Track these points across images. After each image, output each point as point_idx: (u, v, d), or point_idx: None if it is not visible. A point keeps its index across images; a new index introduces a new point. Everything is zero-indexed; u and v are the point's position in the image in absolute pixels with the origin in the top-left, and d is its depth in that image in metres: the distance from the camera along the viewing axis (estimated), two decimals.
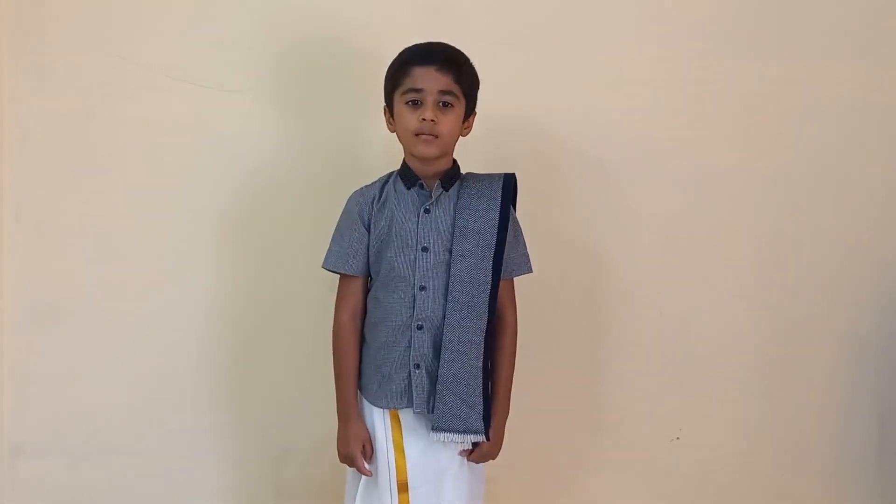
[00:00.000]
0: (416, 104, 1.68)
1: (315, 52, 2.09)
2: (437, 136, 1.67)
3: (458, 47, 1.73)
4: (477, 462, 1.74)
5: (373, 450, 1.72)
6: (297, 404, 2.12)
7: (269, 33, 2.08)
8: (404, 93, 1.68)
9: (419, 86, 1.67)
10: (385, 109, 1.76)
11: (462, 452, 1.72)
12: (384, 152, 1.92)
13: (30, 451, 2.11)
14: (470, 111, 1.75)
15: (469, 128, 1.77)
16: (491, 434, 1.72)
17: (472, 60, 1.75)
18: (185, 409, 2.13)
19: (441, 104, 1.67)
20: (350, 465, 1.73)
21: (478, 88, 1.76)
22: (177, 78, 2.06)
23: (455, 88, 1.68)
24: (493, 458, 1.76)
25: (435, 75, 1.67)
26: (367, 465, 1.71)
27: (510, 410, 1.78)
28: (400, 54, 1.73)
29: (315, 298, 1.93)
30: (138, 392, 2.12)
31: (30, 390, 2.10)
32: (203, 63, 2.08)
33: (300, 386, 2.10)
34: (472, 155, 1.85)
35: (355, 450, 1.71)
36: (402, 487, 1.69)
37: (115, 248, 2.09)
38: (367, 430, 1.73)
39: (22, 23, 2.04)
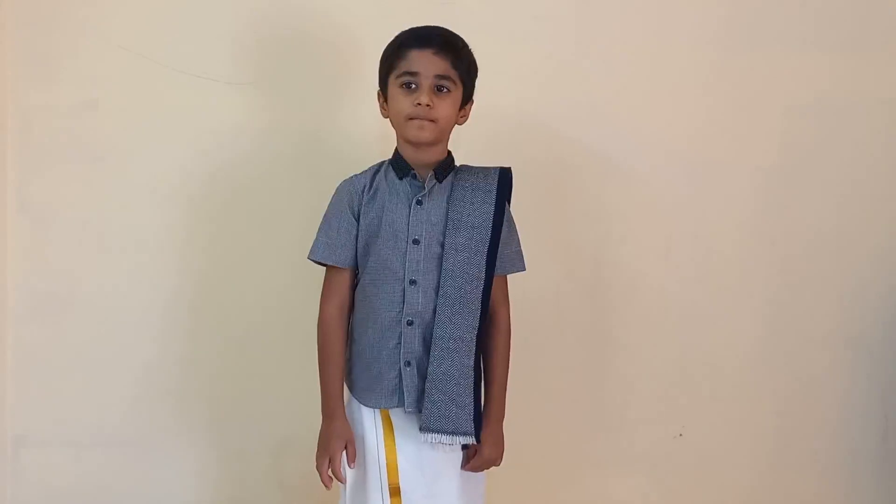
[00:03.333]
0: (410, 87, 1.62)
1: (315, 45, 2.08)
2: (433, 121, 1.61)
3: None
4: (477, 470, 1.67)
5: (355, 451, 1.66)
6: (297, 396, 2.04)
7: (271, 26, 2.08)
8: (399, 75, 1.62)
9: (415, 69, 1.61)
10: (378, 94, 1.70)
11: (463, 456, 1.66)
12: (377, 143, 1.88)
13: (32, 441, 2.13)
14: (467, 98, 1.68)
15: (465, 116, 1.70)
16: (490, 438, 1.66)
17: (476, 54, 1.69)
18: (186, 400, 2.14)
19: (437, 88, 1.61)
20: (325, 466, 1.65)
21: (476, 75, 1.70)
22: (180, 70, 2.07)
23: (452, 73, 1.62)
24: (497, 465, 1.70)
25: (432, 59, 1.61)
26: (344, 468, 1.65)
27: (511, 409, 1.72)
28: (396, 37, 1.67)
29: (314, 289, 1.88)
30: (140, 383, 2.13)
31: (32, 381, 2.12)
32: (205, 55, 2.08)
33: (300, 378, 2.02)
34: (474, 148, 1.81)
35: (337, 448, 1.64)
36: (395, 491, 1.63)
37: (117, 240, 2.10)
38: (351, 430, 1.67)
39: (26, 14, 2.06)
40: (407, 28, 1.67)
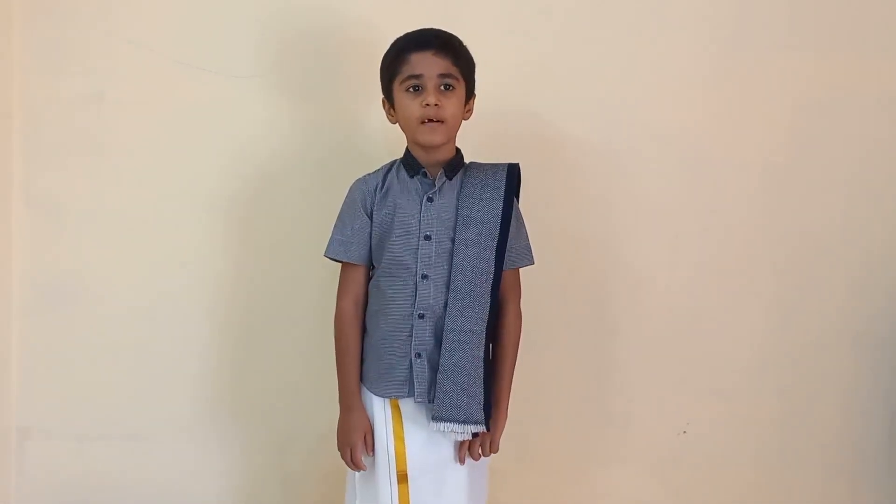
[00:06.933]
0: (416, 90, 1.66)
1: (322, 40, 2.08)
2: (441, 121, 1.66)
3: (465, 36, 1.73)
4: (481, 451, 1.72)
5: (373, 440, 1.71)
6: (303, 393, 2.12)
7: (278, 20, 2.08)
8: (404, 80, 1.67)
9: (418, 71, 1.66)
10: (383, 101, 1.75)
11: (463, 444, 1.70)
12: (388, 141, 1.92)
13: (37, 433, 2.13)
14: (469, 94, 1.74)
15: (470, 111, 1.76)
16: (495, 425, 1.72)
17: (481, 50, 1.74)
18: (191, 395, 2.14)
19: (442, 87, 1.66)
20: (348, 456, 1.72)
21: (475, 70, 1.75)
22: (186, 63, 2.07)
23: (454, 71, 1.68)
24: (495, 451, 1.75)
25: (433, 59, 1.66)
26: (364, 458, 1.71)
27: (516, 404, 1.77)
28: (394, 43, 1.72)
29: (321, 287, 1.93)
30: (145, 377, 2.13)
31: (38, 373, 2.12)
32: (212, 48, 2.08)
33: (306, 374, 2.10)
34: (481, 145, 1.84)
35: (357, 439, 1.70)
36: (402, 478, 1.68)
37: (122, 233, 2.10)
38: (369, 420, 1.72)
39: (33, 7, 2.05)
40: (402, 34, 1.71)
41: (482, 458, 1.73)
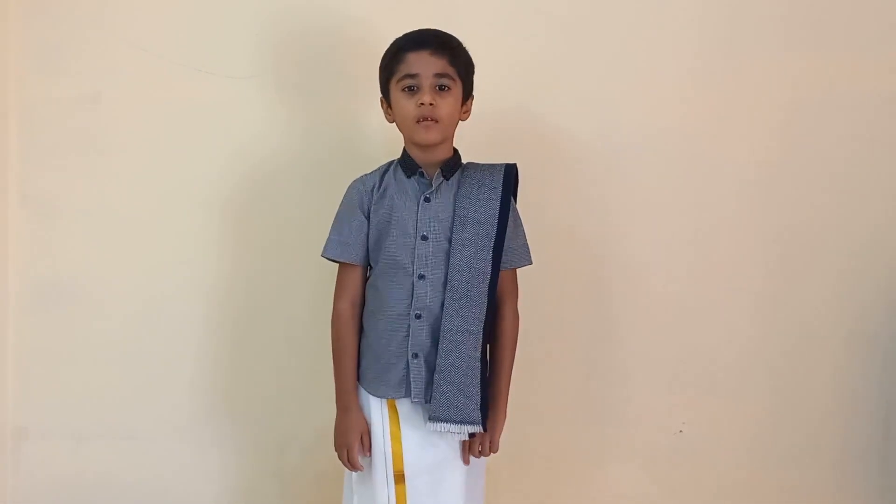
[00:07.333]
0: (412, 90, 1.67)
1: (319, 40, 2.09)
2: (437, 121, 1.66)
3: (464, 36, 1.73)
4: (480, 452, 1.72)
5: (371, 441, 1.71)
6: (300, 393, 2.12)
7: (274, 20, 2.09)
8: (400, 79, 1.68)
9: (414, 71, 1.66)
10: (382, 101, 1.75)
11: (463, 443, 1.70)
12: (386, 141, 1.92)
13: (33, 433, 2.14)
14: (467, 95, 1.74)
15: (468, 112, 1.76)
16: (494, 425, 1.72)
17: (479, 50, 1.74)
18: (188, 394, 2.14)
19: (438, 87, 1.67)
20: (346, 457, 1.72)
21: (473, 72, 1.75)
22: (182, 64, 2.08)
23: (451, 71, 1.68)
24: (496, 450, 1.75)
25: (429, 59, 1.66)
26: (361, 459, 1.71)
27: (512, 403, 1.77)
28: (392, 43, 1.72)
29: (318, 287, 1.92)
30: (142, 376, 2.13)
31: (34, 373, 2.13)
32: (208, 49, 2.08)
33: (303, 374, 2.10)
34: (479, 144, 1.84)
35: (353, 440, 1.70)
36: (399, 478, 1.68)
37: (119, 232, 2.11)
38: (366, 421, 1.72)
39: (29, 7, 2.06)
40: (402, 34, 1.72)
41: (480, 458, 1.73)
